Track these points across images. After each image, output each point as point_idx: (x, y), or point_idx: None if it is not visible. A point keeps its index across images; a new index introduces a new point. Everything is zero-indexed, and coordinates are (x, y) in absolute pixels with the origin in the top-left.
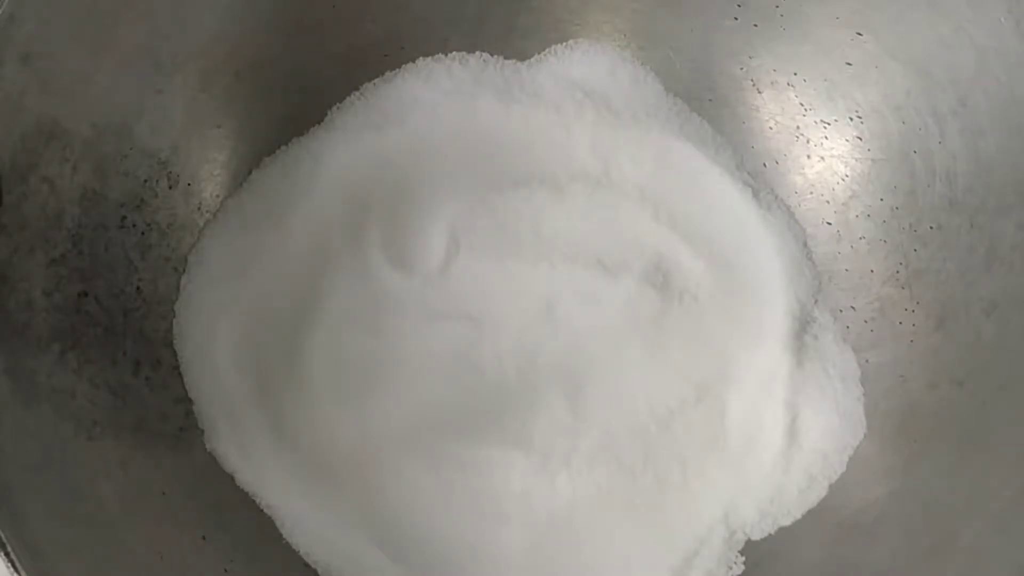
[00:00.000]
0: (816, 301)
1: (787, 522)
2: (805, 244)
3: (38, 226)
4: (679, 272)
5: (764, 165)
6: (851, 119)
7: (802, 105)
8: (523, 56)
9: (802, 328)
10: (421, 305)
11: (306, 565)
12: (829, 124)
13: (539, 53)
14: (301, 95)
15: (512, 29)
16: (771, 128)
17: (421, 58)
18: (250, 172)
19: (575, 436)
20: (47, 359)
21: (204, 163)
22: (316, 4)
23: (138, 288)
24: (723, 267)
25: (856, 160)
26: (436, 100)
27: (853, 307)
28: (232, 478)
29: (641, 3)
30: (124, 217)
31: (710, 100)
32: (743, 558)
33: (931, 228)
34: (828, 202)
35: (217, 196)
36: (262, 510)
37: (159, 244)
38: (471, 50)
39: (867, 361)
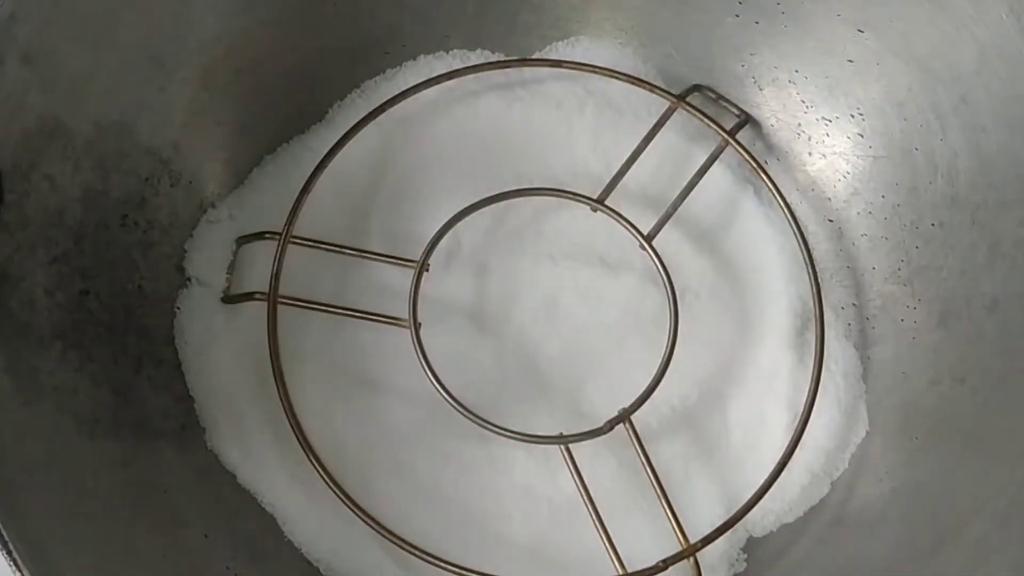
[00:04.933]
0: (819, 298)
1: (790, 519)
2: (807, 241)
3: (40, 224)
4: (681, 269)
5: (766, 162)
6: (852, 116)
7: (803, 102)
8: (524, 53)
9: (804, 325)
10: (422, 301)
11: (308, 563)
12: (831, 121)
13: (540, 50)
14: (302, 93)
15: (513, 26)
16: (772, 125)
17: (422, 55)
18: (251, 170)
19: (576, 432)
20: (49, 357)
21: (205, 161)
22: (317, 2)
23: (139, 286)
24: (725, 264)
25: (858, 157)
26: (437, 97)
27: (855, 304)
28: (234, 476)
29: (642, 0)
30: (125, 215)
31: (711, 97)
32: (745, 555)
33: (932, 225)
34: (830, 199)
35: (218, 194)
36: (264, 508)
37: (160, 242)
38: (472, 47)
39: (869, 358)
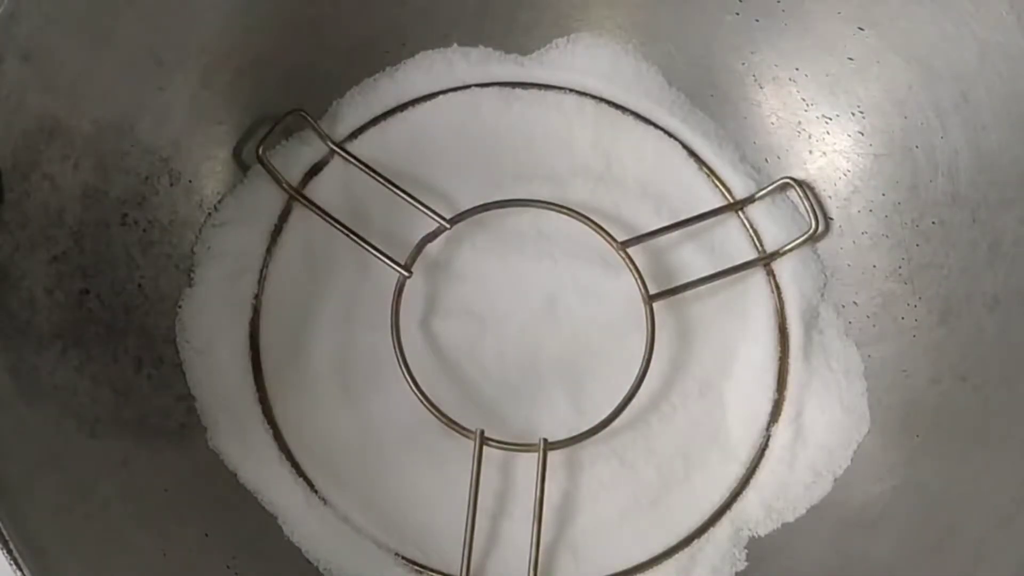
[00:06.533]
0: (821, 296)
1: (791, 518)
2: (809, 239)
3: (40, 223)
4: (681, 267)
5: (766, 160)
6: (853, 114)
7: (804, 100)
8: (525, 51)
9: (809, 324)
10: (423, 301)
11: (308, 562)
12: (831, 119)
13: (541, 48)
14: (302, 91)
15: (514, 24)
16: (773, 123)
17: (422, 53)
18: (251, 168)
19: (577, 431)
20: (49, 356)
21: (205, 160)
22: (317, 0)
23: (139, 285)
24: (725, 262)
25: (858, 155)
26: (437, 95)
27: (856, 302)
28: (234, 475)
29: None
30: (125, 214)
31: (711, 95)
32: (746, 551)
33: (933, 223)
34: (830, 197)
35: (218, 193)
36: (264, 508)
37: (160, 241)
38: (473, 45)
39: (870, 356)
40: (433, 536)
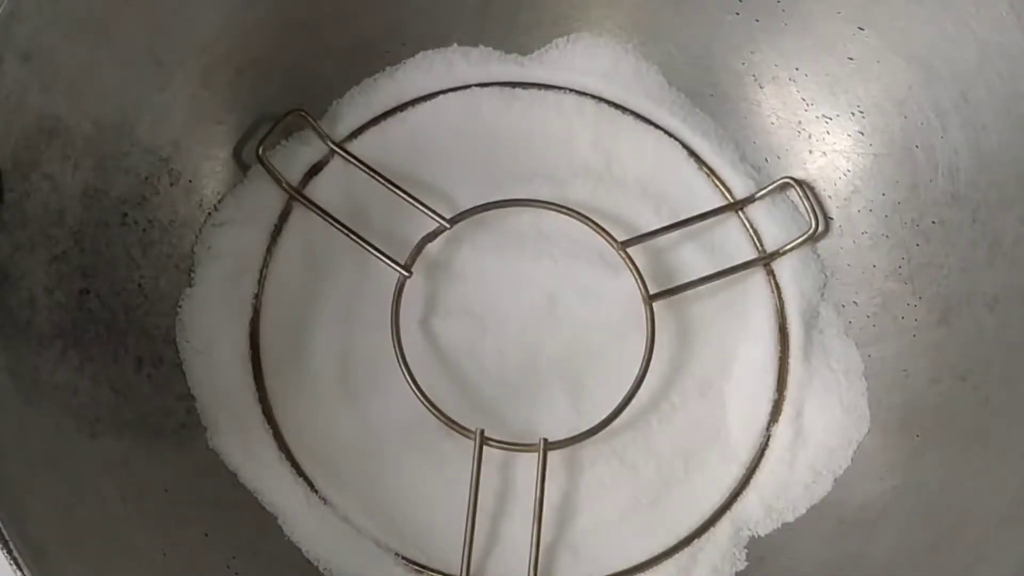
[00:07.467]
0: (821, 296)
1: (791, 518)
2: (809, 239)
3: (40, 223)
4: (681, 267)
5: (766, 160)
6: (853, 114)
7: (804, 100)
8: (525, 51)
9: (809, 323)
10: (423, 301)
11: (308, 562)
12: (831, 119)
13: (541, 48)
14: (302, 91)
15: (514, 24)
16: (773, 123)
17: (422, 52)
18: (251, 168)
19: (577, 431)
20: (49, 356)
21: (205, 160)
22: (317, 0)
23: (139, 285)
24: (725, 261)
25: (858, 155)
26: (437, 95)
27: (856, 302)
28: (234, 475)
29: None
30: (125, 214)
31: (711, 95)
32: (746, 551)
33: (933, 223)
34: (830, 197)
35: (218, 193)
36: (264, 508)
37: (160, 241)
38: (473, 45)
39: (870, 356)
40: (433, 536)
